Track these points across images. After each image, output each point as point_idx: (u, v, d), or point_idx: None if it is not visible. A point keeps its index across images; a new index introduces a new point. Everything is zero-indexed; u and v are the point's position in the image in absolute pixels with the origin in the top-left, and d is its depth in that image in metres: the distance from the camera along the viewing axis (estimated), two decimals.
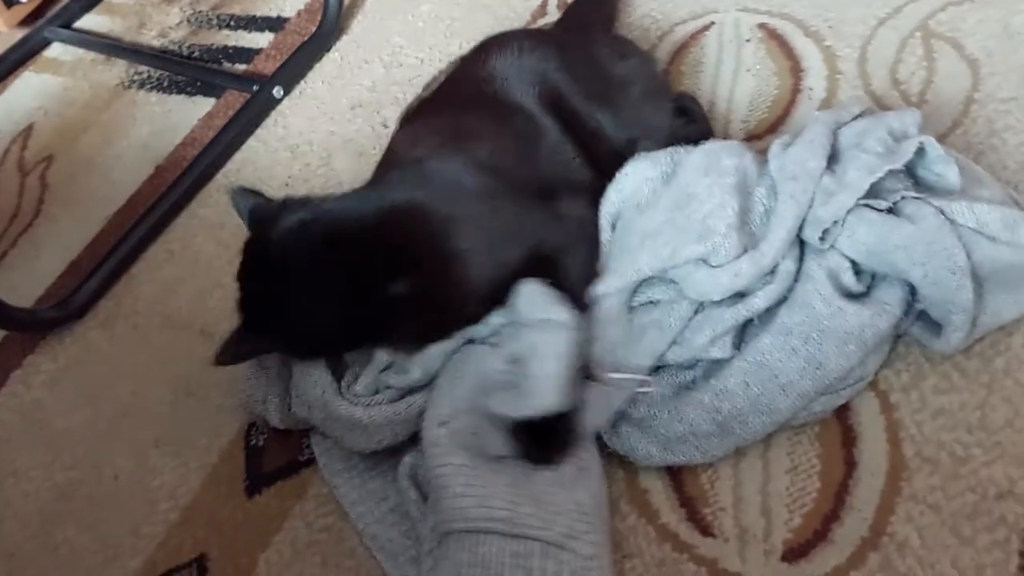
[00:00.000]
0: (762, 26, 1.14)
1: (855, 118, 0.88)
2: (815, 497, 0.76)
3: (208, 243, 1.22)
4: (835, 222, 0.80)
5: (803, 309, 0.79)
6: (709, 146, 0.87)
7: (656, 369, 0.83)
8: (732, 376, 0.78)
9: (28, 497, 1.02)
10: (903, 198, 0.80)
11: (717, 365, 0.81)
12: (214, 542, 0.91)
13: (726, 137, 1.03)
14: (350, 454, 0.90)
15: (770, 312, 0.81)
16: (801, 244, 0.83)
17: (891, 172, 0.82)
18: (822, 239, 0.81)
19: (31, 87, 1.65)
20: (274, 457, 0.94)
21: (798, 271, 0.82)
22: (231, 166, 1.32)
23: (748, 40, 1.13)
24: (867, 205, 0.80)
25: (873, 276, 0.82)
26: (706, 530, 0.78)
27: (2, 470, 1.06)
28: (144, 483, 0.98)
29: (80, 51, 1.67)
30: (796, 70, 1.08)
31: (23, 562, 0.97)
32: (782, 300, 0.81)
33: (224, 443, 0.98)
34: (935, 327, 0.79)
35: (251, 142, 1.34)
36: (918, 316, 0.80)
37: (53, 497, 1.01)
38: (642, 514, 0.80)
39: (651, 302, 0.84)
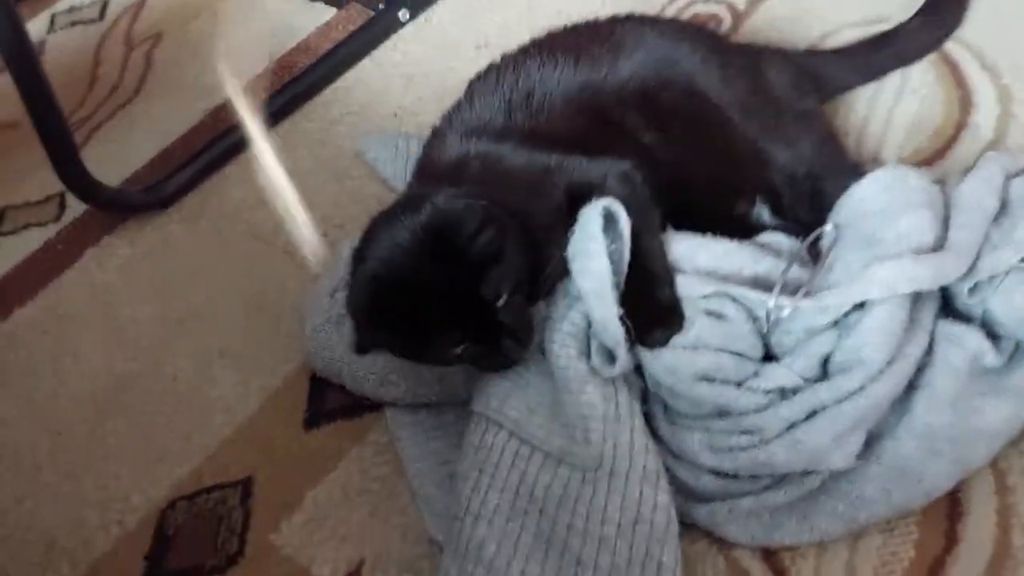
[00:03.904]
0: None
1: None
2: (907, 566, 0.71)
3: (306, 159, 1.17)
4: (990, 278, 0.74)
5: (950, 410, 0.72)
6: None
7: (781, 479, 0.75)
8: (870, 483, 0.72)
9: (84, 379, 1.00)
10: None
11: None
12: (263, 467, 0.89)
13: (875, 160, 0.96)
14: (418, 408, 0.87)
15: (902, 404, 0.74)
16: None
17: None
18: (971, 292, 0.75)
19: None
20: (339, 395, 0.91)
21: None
22: (341, 83, 1.27)
23: None
24: None
25: (1017, 345, 0.75)
26: (781, 573, 0.73)
27: (63, 347, 1.04)
28: (202, 391, 0.96)
29: None
30: (965, 102, 0.99)
31: (68, 443, 0.96)
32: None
33: (290, 369, 0.95)
34: None
35: (366, 62, 1.29)
36: None
37: (109, 385, 0.99)
38: (714, 541, 0.75)
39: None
